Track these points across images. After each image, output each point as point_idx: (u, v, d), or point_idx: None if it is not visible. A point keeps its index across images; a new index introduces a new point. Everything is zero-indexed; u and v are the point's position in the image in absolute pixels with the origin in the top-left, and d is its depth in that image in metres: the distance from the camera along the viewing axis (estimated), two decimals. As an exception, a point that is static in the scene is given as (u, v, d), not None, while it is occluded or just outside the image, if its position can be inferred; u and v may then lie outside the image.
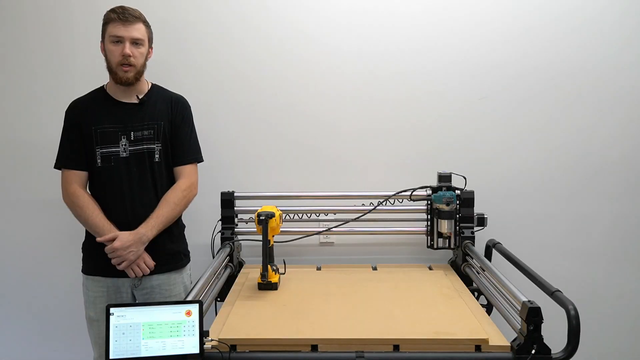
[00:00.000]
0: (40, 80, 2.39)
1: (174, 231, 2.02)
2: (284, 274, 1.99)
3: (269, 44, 2.38)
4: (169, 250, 1.99)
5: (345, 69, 2.39)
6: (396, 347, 1.49)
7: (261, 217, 1.85)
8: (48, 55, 2.38)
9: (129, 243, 1.85)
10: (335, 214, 2.32)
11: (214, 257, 2.17)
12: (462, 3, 2.36)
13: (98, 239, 1.87)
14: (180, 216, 2.06)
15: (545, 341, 1.40)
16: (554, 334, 1.54)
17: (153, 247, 1.93)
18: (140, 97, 1.95)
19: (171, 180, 2.00)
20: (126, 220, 1.90)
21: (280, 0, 2.36)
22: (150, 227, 1.88)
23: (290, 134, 2.42)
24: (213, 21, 2.37)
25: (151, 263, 1.92)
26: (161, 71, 2.29)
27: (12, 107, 2.41)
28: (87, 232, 1.97)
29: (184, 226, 2.11)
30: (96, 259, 1.92)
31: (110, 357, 1.32)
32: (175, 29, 2.36)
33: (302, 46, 2.38)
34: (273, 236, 1.93)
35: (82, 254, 2.01)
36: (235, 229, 2.30)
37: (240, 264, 2.29)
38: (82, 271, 2.00)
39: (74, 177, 1.92)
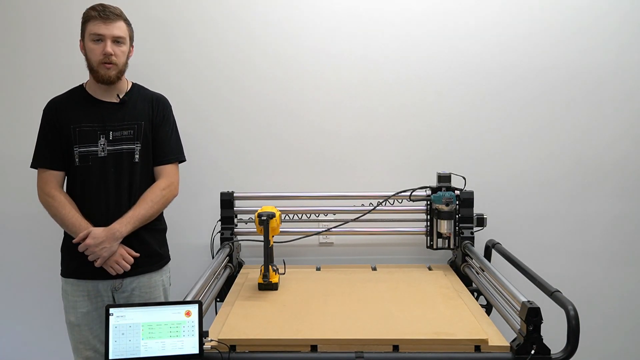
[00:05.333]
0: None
1: (153, 231, 1.96)
2: (283, 274, 2.00)
3: (270, 46, 2.38)
4: (148, 250, 1.94)
5: (345, 70, 2.39)
6: (396, 348, 1.49)
7: (262, 218, 1.85)
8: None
9: (101, 239, 1.80)
10: (334, 214, 2.33)
11: (213, 258, 2.17)
12: (462, 7, 2.36)
13: (73, 241, 1.82)
14: (162, 217, 2.03)
15: (544, 341, 1.40)
16: (553, 334, 1.55)
17: (131, 246, 1.89)
18: (120, 96, 1.91)
19: (151, 181, 1.95)
20: (102, 221, 1.85)
21: (279, 3, 2.36)
22: (124, 224, 1.83)
23: (290, 134, 2.42)
24: (211, 25, 2.37)
25: (130, 258, 1.86)
26: (163, 72, 2.30)
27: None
28: (65, 233, 1.91)
29: (165, 227, 2.05)
30: (75, 261, 1.86)
31: (110, 357, 1.32)
32: (174, 32, 2.36)
33: (303, 48, 2.38)
34: (273, 236, 1.93)
35: (60, 256, 1.95)
36: (235, 229, 2.30)
37: (240, 264, 2.29)
38: (61, 274, 1.93)
39: (50, 177, 1.88)
